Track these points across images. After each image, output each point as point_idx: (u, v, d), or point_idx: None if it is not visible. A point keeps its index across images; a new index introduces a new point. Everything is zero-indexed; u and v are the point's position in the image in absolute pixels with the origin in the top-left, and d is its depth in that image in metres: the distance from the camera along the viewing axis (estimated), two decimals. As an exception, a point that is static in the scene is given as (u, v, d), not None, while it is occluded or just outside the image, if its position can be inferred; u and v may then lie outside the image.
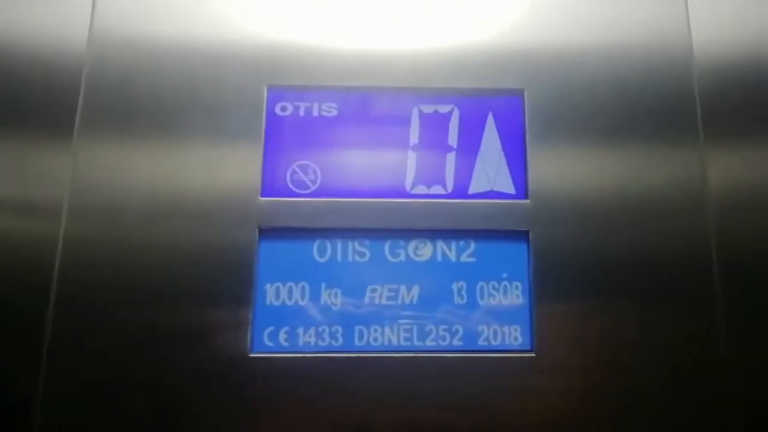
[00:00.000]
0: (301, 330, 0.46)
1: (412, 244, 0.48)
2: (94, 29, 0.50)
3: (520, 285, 0.48)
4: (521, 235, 0.48)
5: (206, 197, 0.48)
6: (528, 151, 0.50)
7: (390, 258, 0.48)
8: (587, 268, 0.47)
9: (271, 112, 0.50)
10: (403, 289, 0.48)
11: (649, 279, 0.47)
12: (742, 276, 0.48)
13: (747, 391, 0.46)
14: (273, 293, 0.47)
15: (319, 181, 0.49)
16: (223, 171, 0.48)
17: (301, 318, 0.47)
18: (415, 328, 0.47)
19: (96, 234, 0.47)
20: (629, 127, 0.51)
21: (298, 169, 0.49)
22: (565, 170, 0.50)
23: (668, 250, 0.48)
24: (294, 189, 0.49)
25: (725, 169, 0.50)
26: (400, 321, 0.47)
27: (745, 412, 0.45)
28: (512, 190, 0.49)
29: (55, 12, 0.51)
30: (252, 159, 0.49)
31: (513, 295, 0.48)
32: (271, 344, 0.46)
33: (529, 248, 0.48)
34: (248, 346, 0.45)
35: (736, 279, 0.48)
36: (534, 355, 0.46)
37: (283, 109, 0.50)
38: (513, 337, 0.47)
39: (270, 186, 0.49)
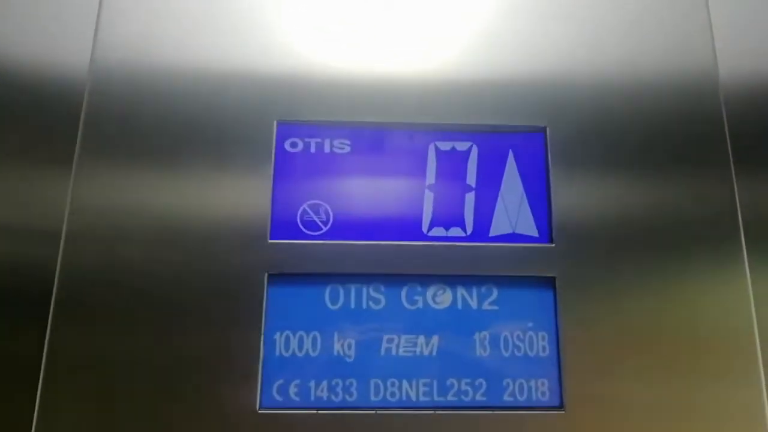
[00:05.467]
0: (312, 383, 0.43)
1: (430, 291, 0.45)
2: (96, 54, 0.48)
3: (546, 335, 0.45)
4: (547, 282, 0.45)
5: (211, 236, 0.45)
6: (551, 191, 0.47)
7: (407, 305, 0.45)
8: (618, 316, 0.44)
9: (280, 148, 0.47)
10: (421, 339, 0.44)
11: (685, 325, 0.45)
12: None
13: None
14: (282, 343, 0.44)
15: (330, 223, 0.46)
16: (229, 208, 0.45)
17: (312, 370, 0.43)
18: (435, 382, 0.44)
19: (93, 264, 0.44)
20: (657, 161, 0.48)
21: (308, 209, 0.47)
22: (591, 211, 0.47)
23: (704, 286, 0.45)
24: (304, 230, 0.46)
25: (758, 198, 0.48)
26: (418, 374, 0.44)
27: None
28: (535, 233, 0.47)
29: (56, 35, 0.48)
30: (260, 198, 0.46)
31: (539, 346, 0.44)
32: (280, 399, 0.43)
33: (555, 295, 0.45)
34: (257, 400, 0.42)
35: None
36: (564, 411, 0.43)
37: (294, 145, 0.48)
38: (540, 391, 0.44)
39: (279, 228, 0.46)
